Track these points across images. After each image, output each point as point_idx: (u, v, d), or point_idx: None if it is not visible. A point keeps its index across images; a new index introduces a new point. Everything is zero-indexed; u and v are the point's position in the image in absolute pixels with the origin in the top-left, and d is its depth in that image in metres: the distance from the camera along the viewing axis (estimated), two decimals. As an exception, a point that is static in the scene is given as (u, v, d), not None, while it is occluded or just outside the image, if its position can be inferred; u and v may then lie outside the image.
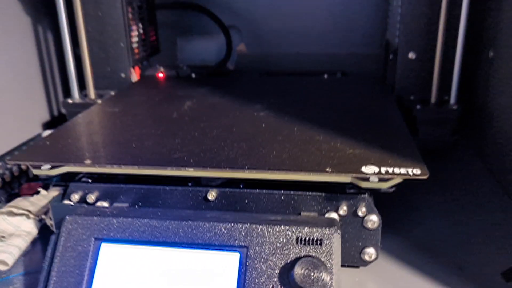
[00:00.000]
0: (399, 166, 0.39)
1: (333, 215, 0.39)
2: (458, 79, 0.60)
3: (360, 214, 0.39)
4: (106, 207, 0.41)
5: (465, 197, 0.53)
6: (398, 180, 0.38)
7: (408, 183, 0.39)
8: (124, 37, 0.68)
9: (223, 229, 0.36)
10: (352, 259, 0.40)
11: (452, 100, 0.61)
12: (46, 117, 0.73)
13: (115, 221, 0.37)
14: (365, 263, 0.40)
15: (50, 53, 0.74)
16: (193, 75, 0.74)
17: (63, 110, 0.76)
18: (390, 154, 0.41)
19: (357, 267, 0.41)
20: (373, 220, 0.39)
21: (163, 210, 0.39)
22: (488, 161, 0.60)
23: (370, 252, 0.40)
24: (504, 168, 0.55)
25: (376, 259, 0.40)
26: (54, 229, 0.43)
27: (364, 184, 0.38)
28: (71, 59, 0.65)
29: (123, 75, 0.70)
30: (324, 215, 0.39)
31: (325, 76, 0.73)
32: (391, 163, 0.39)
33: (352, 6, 0.86)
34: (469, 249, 0.44)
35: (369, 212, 0.39)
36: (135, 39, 0.72)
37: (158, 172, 0.41)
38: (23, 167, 0.57)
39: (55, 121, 0.74)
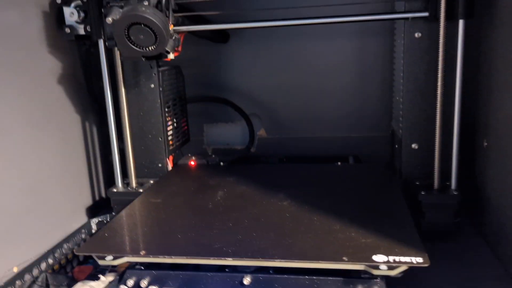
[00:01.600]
0: (405, 255, 0.46)
1: (351, 297, 0.46)
2: (457, 166, 0.68)
3: (374, 296, 0.46)
4: (158, 292, 0.49)
5: (468, 273, 0.60)
6: (404, 267, 0.45)
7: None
8: (162, 132, 0.78)
9: (259, 312, 0.43)
10: (368, 334, 0.47)
11: (453, 185, 0.68)
12: (89, 202, 0.82)
13: (169, 306, 0.45)
14: (379, 338, 0.47)
15: (95, 146, 0.85)
16: (222, 164, 0.84)
17: (103, 194, 0.86)
18: (397, 243, 0.49)
19: None
20: (385, 301, 0.46)
21: (208, 296, 0.46)
22: (488, 238, 0.67)
23: (383, 329, 0.46)
24: (502, 244, 0.62)
25: (388, 335, 0.47)
26: (110, 310, 0.51)
27: (375, 272, 0.45)
28: (117, 153, 0.75)
29: (160, 165, 0.80)
30: (342, 297, 0.47)
31: (339, 163, 0.82)
32: (398, 252, 0.47)
33: (361, 95, 0.96)
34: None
35: (381, 294, 0.46)
36: (170, 132, 0.82)
37: (202, 261, 0.49)
38: (74, 251, 0.65)
39: (97, 205, 0.83)
